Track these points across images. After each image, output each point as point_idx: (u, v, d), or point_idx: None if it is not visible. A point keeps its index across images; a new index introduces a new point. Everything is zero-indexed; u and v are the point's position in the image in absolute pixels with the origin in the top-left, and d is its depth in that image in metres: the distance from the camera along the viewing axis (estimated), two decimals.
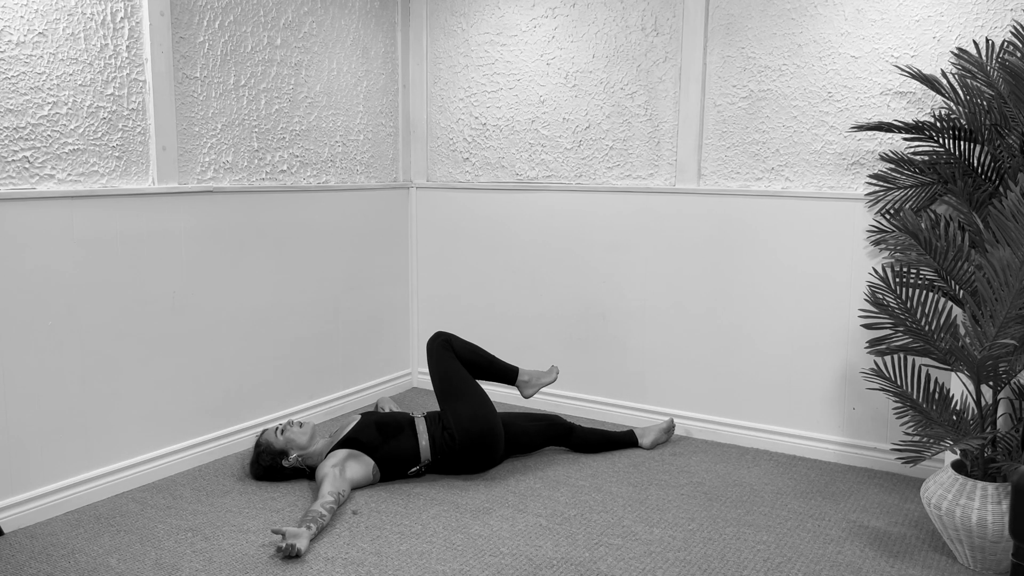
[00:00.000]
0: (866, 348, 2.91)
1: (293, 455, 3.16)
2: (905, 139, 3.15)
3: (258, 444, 3.23)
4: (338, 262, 4.03)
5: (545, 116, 4.04)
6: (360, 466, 3.10)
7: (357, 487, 3.11)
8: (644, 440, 3.59)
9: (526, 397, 3.50)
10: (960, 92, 2.93)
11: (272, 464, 3.17)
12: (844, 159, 3.37)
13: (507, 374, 3.44)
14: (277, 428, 3.24)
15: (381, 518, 2.89)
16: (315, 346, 3.94)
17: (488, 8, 4.12)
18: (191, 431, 3.36)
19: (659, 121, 3.75)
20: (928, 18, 3.16)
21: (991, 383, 2.58)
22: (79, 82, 2.90)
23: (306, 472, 3.21)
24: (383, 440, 3.15)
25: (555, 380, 3.52)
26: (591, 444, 3.53)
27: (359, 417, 3.28)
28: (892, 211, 3.21)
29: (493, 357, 3.45)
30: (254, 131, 3.56)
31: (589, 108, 3.92)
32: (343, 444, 3.15)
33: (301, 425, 3.23)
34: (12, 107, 2.72)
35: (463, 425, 3.18)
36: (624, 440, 3.58)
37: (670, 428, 3.64)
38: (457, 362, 3.31)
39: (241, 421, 3.58)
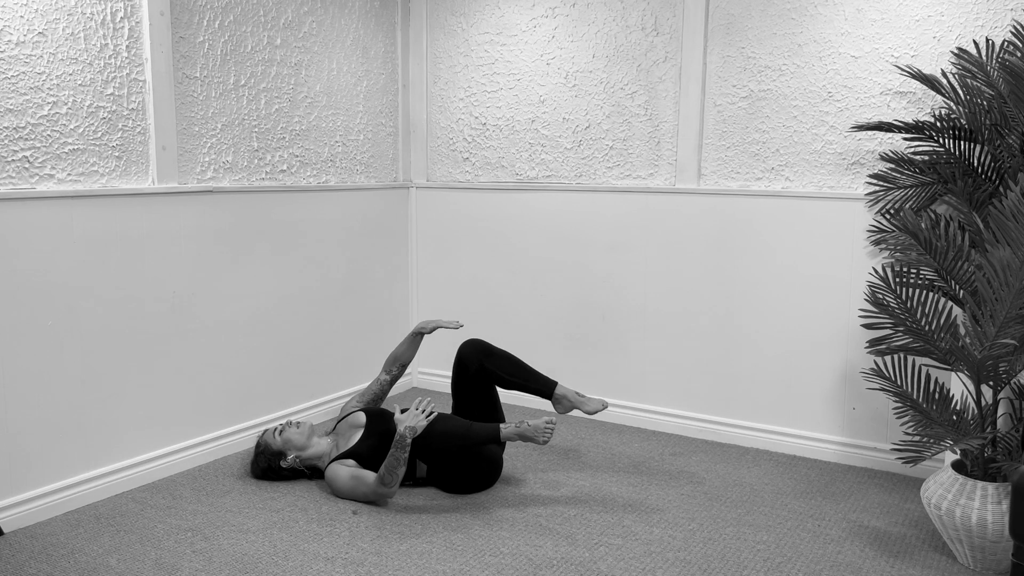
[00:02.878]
0: (866, 348, 2.91)
1: (291, 456, 3.16)
2: (905, 139, 3.15)
3: (257, 445, 3.24)
4: (338, 262, 4.03)
5: (545, 116, 4.04)
6: (364, 477, 3.08)
7: None
8: (558, 406, 3.27)
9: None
10: (960, 92, 2.93)
11: (270, 465, 3.17)
12: (844, 159, 3.37)
13: (490, 440, 2.99)
14: (276, 429, 3.24)
15: (381, 518, 2.89)
16: (315, 346, 3.94)
17: (488, 8, 4.12)
18: (191, 431, 3.36)
19: (659, 121, 3.75)
20: (928, 18, 3.16)
21: (991, 383, 2.58)
22: (79, 82, 2.90)
23: (305, 473, 3.21)
24: (383, 452, 3.11)
25: (545, 440, 2.94)
26: (504, 379, 3.25)
27: (365, 419, 3.23)
28: (892, 211, 3.21)
29: (469, 430, 3.02)
30: (254, 131, 3.56)
31: (589, 108, 3.92)
32: (347, 456, 3.12)
33: (299, 426, 3.22)
34: (12, 107, 2.72)
35: (456, 478, 3.10)
36: (540, 388, 3.27)
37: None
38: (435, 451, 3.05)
39: (241, 421, 3.58)
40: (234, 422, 3.55)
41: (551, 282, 4.09)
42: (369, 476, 2.98)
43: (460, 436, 3.01)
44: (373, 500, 2.99)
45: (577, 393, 3.26)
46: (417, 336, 3.52)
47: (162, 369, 3.23)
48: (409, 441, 2.88)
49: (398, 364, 3.54)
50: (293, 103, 3.73)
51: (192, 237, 3.30)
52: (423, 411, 2.94)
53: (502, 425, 3.00)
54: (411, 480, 3.16)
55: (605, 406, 3.21)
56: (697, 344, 3.75)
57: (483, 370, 3.26)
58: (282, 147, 3.71)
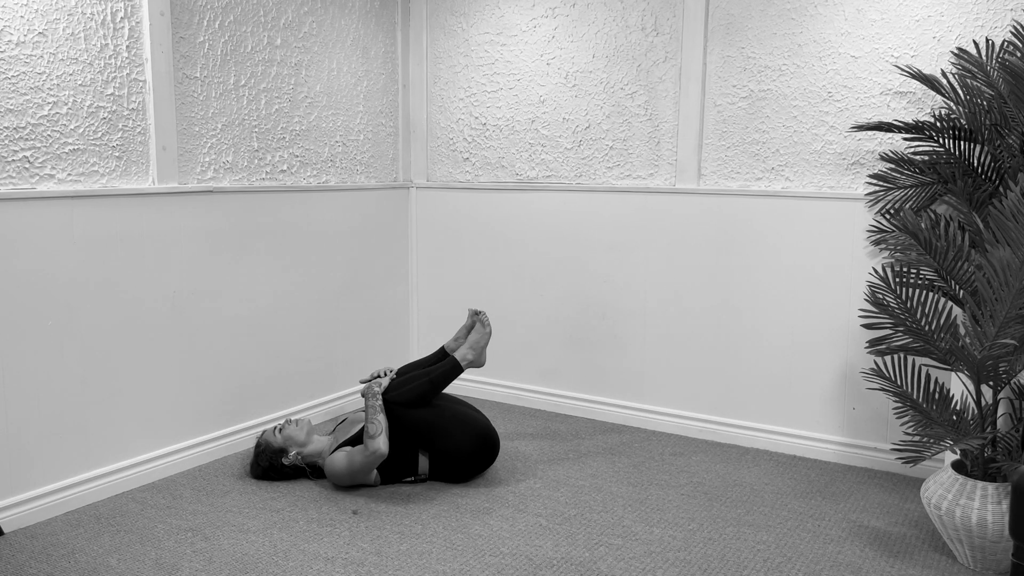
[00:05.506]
0: (866, 348, 2.91)
1: (292, 452, 3.17)
2: (905, 139, 3.15)
3: (257, 445, 3.24)
4: (338, 262, 4.03)
5: (545, 116, 4.04)
6: (356, 449, 3.11)
7: (359, 485, 3.14)
8: (479, 362, 3.34)
9: (482, 364, 3.37)
10: (960, 92, 2.93)
11: (272, 463, 3.18)
12: (844, 159, 3.37)
13: (453, 370, 3.21)
14: (275, 428, 3.25)
15: (381, 518, 2.89)
16: (315, 346, 3.94)
17: (488, 8, 4.13)
18: (191, 431, 3.37)
19: (659, 121, 3.75)
20: (928, 18, 3.16)
21: (991, 383, 2.58)
22: (79, 82, 2.90)
23: (306, 471, 3.21)
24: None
25: (489, 328, 3.30)
26: (421, 398, 3.21)
27: (363, 413, 3.27)
28: (892, 211, 3.21)
29: (429, 373, 3.20)
30: (254, 131, 3.56)
31: (589, 108, 3.92)
32: (346, 444, 3.15)
33: (298, 423, 3.25)
34: (12, 107, 2.72)
35: (460, 454, 3.13)
36: (450, 371, 3.28)
37: (475, 328, 3.38)
38: (407, 411, 3.12)
39: (241, 421, 3.58)
40: (234, 422, 3.55)
41: (551, 282, 4.09)
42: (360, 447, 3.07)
43: (424, 376, 3.19)
44: (369, 466, 3.03)
45: (471, 345, 3.30)
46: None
47: (162, 369, 3.23)
48: (378, 390, 3.10)
49: None
50: (293, 103, 3.74)
51: (192, 237, 3.30)
52: (384, 373, 3.29)
53: (455, 354, 3.27)
54: (413, 476, 3.18)
55: (483, 313, 3.38)
56: (697, 344, 3.75)
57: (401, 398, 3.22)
58: (282, 147, 3.71)
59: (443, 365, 3.23)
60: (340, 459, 3.09)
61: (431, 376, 3.19)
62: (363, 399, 3.14)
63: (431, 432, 3.13)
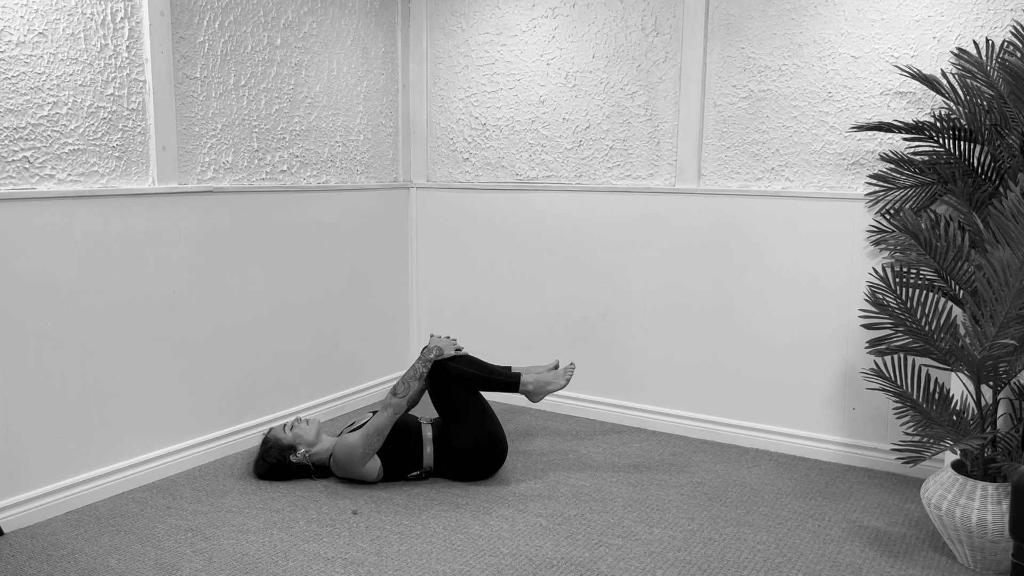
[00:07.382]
0: (866, 348, 2.91)
1: (301, 451, 3.18)
2: (905, 139, 3.15)
3: (265, 441, 3.24)
4: (338, 262, 4.03)
5: (545, 116, 4.04)
6: (369, 422, 3.16)
7: (362, 480, 3.15)
8: (535, 398, 3.35)
9: (534, 401, 3.38)
10: (960, 92, 2.93)
11: (279, 460, 3.18)
12: (844, 159, 3.37)
13: (509, 383, 3.28)
14: (285, 425, 3.26)
15: (381, 518, 2.89)
16: (315, 346, 3.94)
17: (488, 8, 4.13)
18: (191, 431, 3.37)
19: (659, 121, 3.75)
20: (928, 18, 3.16)
21: (991, 383, 2.58)
22: (79, 82, 2.90)
23: (311, 470, 3.21)
24: (389, 441, 3.15)
25: (566, 385, 3.33)
26: (471, 382, 3.26)
27: (371, 415, 3.27)
28: (892, 211, 3.21)
29: (492, 370, 3.28)
30: (254, 131, 3.56)
31: (589, 108, 3.92)
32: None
33: (308, 422, 3.25)
34: (12, 107, 2.72)
35: (467, 448, 3.16)
36: (507, 382, 3.31)
37: (558, 371, 3.38)
38: (452, 383, 3.20)
39: (241, 421, 3.58)
40: (234, 422, 3.55)
41: (551, 282, 4.09)
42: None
43: (485, 368, 3.26)
44: (385, 424, 3.08)
45: (538, 380, 3.33)
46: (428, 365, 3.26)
47: (162, 369, 3.23)
48: (432, 357, 3.18)
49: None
50: (293, 103, 3.74)
51: (192, 237, 3.30)
52: (455, 345, 3.28)
53: (523, 376, 3.29)
54: (419, 470, 3.18)
55: (572, 368, 3.37)
56: (697, 344, 3.75)
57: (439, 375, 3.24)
58: (282, 147, 3.71)
59: (506, 373, 3.30)
60: (352, 438, 3.11)
61: (492, 372, 3.27)
62: (426, 349, 3.21)
63: (454, 410, 3.19)
